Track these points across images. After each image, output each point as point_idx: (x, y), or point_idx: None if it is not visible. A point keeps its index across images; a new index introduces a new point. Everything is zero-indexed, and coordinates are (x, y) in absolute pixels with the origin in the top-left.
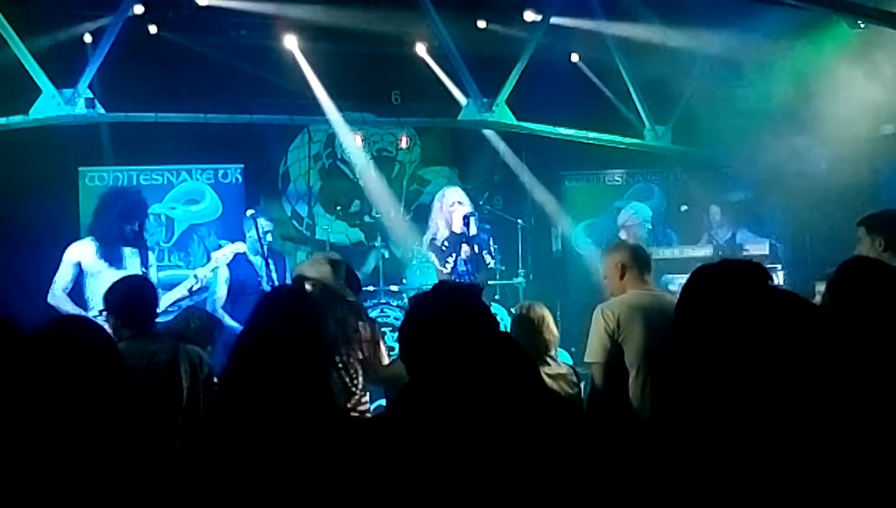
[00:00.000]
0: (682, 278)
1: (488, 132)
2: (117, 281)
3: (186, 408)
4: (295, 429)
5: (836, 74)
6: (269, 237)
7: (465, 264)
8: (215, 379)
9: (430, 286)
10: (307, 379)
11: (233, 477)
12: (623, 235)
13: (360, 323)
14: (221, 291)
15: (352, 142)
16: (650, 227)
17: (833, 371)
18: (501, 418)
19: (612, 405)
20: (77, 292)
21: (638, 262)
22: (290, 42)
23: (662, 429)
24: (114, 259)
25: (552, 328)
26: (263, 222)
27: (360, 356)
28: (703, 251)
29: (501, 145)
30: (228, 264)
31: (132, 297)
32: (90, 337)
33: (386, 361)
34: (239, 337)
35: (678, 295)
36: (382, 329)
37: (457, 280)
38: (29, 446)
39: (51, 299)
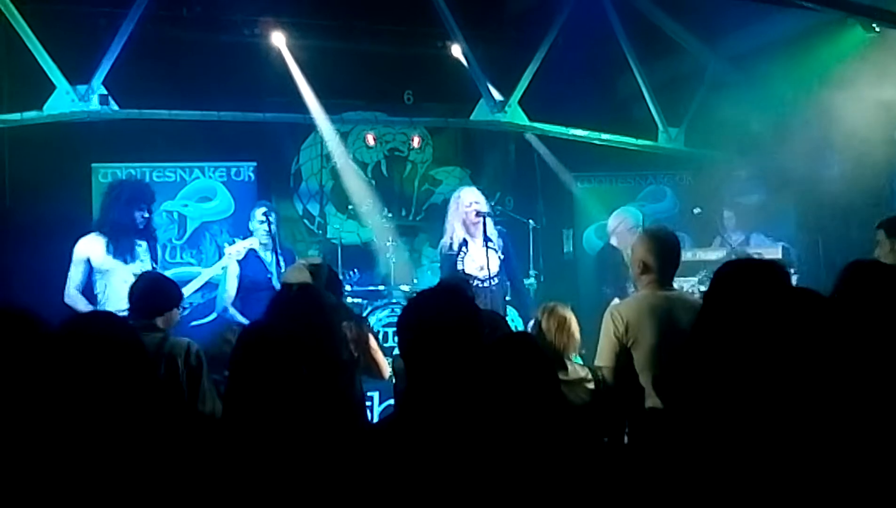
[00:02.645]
0: (695, 281)
1: (529, 136)
2: (138, 277)
3: (166, 400)
4: (305, 429)
5: (850, 78)
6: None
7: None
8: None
9: (426, 288)
10: (317, 377)
11: (240, 475)
12: (614, 241)
13: (345, 323)
14: (231, 287)
15: (335, 142)
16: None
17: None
18: (495, 424)
19: (624, 407)
20: (88, 288)
21: (660, 260)
22: (278, 39)
23: (676, 428)
24: (127, 252)
25: (575, 331)
26: (269, 213)
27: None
28: (717, 254)
29: (542, 148)
30: (238, 261)
31: (140, 289)
32: (113, 332)
33: (381, 358)
34: (248, 334)
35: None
36: (393, 329)
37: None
38: (46, 438)
39: (67, 300)
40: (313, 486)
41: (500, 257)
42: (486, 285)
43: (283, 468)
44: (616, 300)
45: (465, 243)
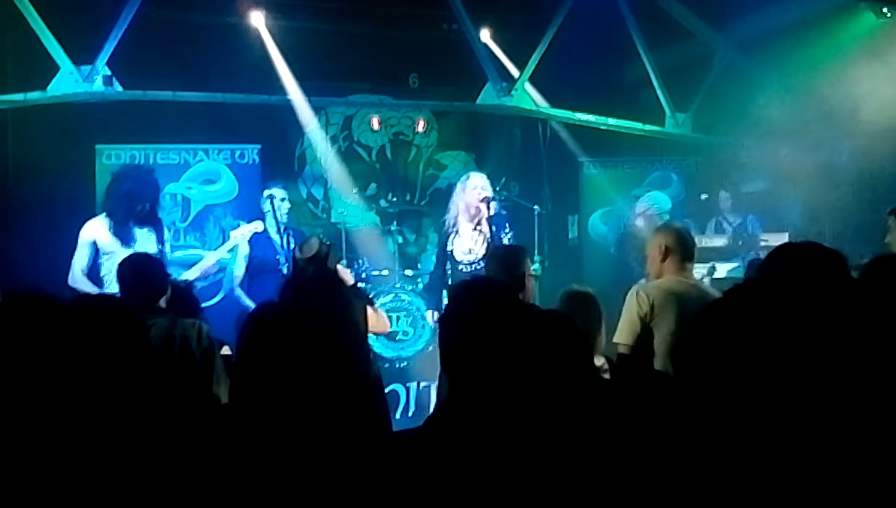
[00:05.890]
0: (704, 271)
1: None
2: (122, 261)
3: (182, 382)
4: (312, 414)
5: (859, 64)
6: (286, 206)
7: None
8: (227, 349)
9: (465, 284)
10: (328, 362)
11: (245, 459)
12: (640, 223)
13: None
14: (240, 269)
15: (316, 128)
16: (668, 218)
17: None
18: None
19: (634, 388)
20: (94, 271)
21: (682, 247)
22: (257, 21)
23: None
24: (125, 238)
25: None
26: (278, 192)
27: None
28: (721, 241)
29: (564, 134)
30: (248, 242)
31: (131, 275)
32: (115, 314)
33: (384, 320)
34: (255, 317)
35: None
36: (396, 314)
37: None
38: (49, 418)
39: (71, 282)
40: (317, 474)
41: (487, 242)
42: (472, 268)
43: (287, 453)
44: (643, 281)
45: (457, 223)
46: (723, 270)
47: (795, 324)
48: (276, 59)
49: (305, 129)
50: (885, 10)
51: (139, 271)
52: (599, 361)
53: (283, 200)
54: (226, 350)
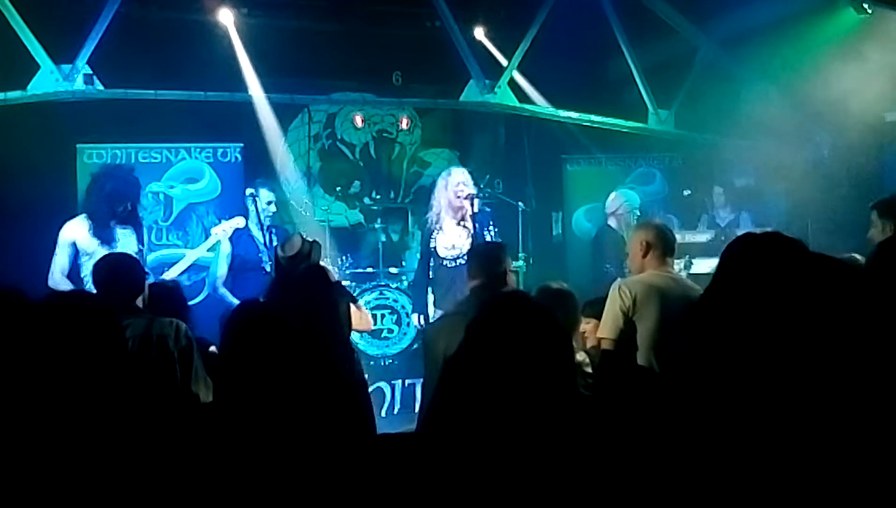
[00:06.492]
0: (681, 264)
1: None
2: (98, 261)
3: (160, 381)
4: (297, 411)
5: (841, 60)
6: (272, 208)
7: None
8: (214, 349)
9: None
10: (313, 358)
11: (228, 456)
12: (612, 222)
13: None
14: (223, 267)
15: (274, 127)
16: (639, 214)
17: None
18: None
19: (619, 382)
20: (74, 272)
21: (662, 243)
22: (226, 18)
23: (676, 406)
24: (105, 239)
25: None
26: (264, 193)
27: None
28: (705, 236)
29: (547, 131)
30: (230, 240)
31: (107, 275)
32: (87, 309)
33: (367, 319)
34: (240, 313)
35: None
36: (381, 312)
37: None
38: (27, 416)
39: (50, 283)
40: (301, 472)
41: (471, 237)
42: (455, 263)
43: (270, 452)
44: (619, 279)
45: (440, 219)
46: (708, 265)
47: (768, 317)
48: (258, 58)
49: (288, 127)
50: (865, 5)
51: (115, 270)
52: (580, 356)
53: (269, 203)
54: (213, 349)
